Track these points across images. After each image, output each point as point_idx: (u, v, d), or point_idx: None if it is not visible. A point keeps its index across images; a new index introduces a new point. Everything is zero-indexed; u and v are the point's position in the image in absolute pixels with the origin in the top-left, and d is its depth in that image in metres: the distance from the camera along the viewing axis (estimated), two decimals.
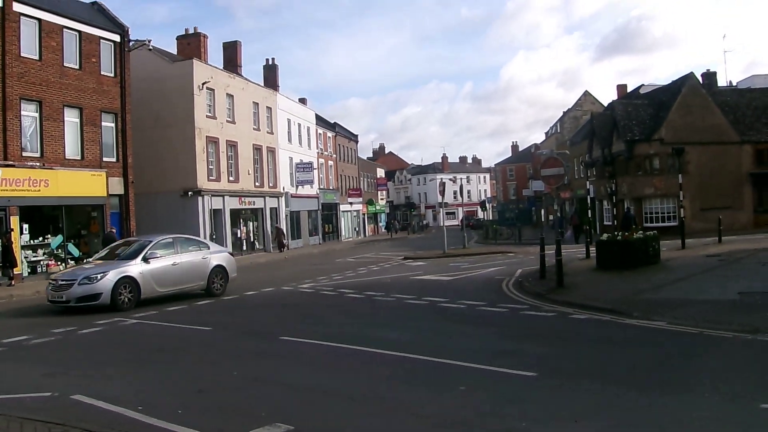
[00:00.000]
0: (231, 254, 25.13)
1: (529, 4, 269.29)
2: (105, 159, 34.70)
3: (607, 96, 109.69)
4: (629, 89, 68.86)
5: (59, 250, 32.38)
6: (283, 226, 56.90)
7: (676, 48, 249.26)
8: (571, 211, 60.28)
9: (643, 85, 63.61)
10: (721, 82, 59.50)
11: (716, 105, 48.93)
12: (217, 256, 22.91)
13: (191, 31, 50.55)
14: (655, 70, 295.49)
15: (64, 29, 32.66)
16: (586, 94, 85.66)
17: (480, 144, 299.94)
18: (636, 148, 48.53)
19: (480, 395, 8.87)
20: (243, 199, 49.86)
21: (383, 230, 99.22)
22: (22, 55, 30.21)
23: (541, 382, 9.40)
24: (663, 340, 11.97)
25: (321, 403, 8.84)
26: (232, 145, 48.47)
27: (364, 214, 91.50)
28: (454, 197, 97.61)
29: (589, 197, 44.31)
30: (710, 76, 54.46)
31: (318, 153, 70.34)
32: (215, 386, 9.79)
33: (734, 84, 64.24)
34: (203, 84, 44.21)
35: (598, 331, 13.52)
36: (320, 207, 69.63)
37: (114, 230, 33.58)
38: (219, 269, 22.45)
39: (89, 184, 33.25)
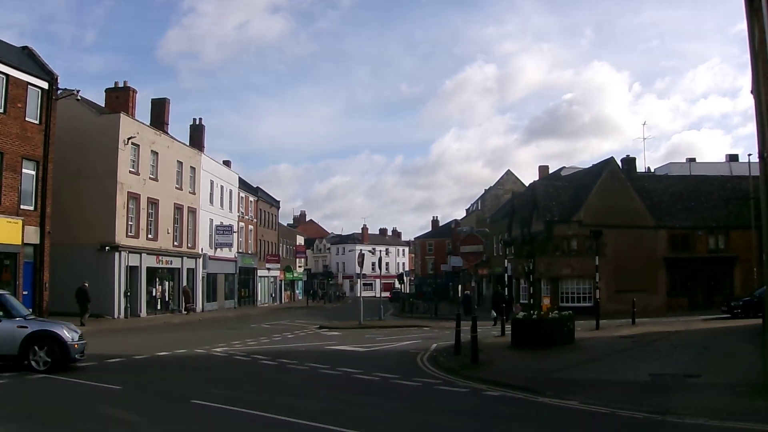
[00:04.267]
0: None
1: (465, 85, 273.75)
2: (23, 207, 34.07)
3: (530, 176, 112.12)
4: (551, 171, 70.16)
5: None
6: (199, 287, 56.37)
7: (604, 134, 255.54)
8: (489, 289, 60.83)
9: (564, 167, 65.12)
10: (641, 168, 61.19)
11: (634, 190, 50.39)
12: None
13: (121, 85, 50.21)
14: (582, 154, 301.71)
15: None
16: (508, 173, 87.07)
17: (404, 217, 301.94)
18: (555, 229, 49.47)
19: None
20: (161, 257, 49.26)
21: (299, 297, 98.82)
22: None
23: None
24: (574, 420, 12.10)
25: None
26: (154, 203, 48.03)
27: (281, 281, 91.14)
28: (373, 269, 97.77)
29: (506, 275, 44.77)
30: (630, 162, 55.90)
31: (239, 216, 70.16)
32: None
33: (652, 170, 66.09)
34: (129, 139, 43.86)
35: (511, 408, 13.62)
36: (238, 271, 69.13)
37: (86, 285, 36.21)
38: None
39: (4, 231, 32.55)
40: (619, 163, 53.19)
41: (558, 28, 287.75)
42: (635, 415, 12.26)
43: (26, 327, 17.08)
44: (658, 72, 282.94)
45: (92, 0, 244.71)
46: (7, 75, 33.21)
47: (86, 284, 37.32)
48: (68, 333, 17.32)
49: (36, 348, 16.80)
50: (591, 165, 56.76)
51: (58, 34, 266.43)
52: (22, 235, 33.68)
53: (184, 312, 49.36)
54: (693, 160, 69.80)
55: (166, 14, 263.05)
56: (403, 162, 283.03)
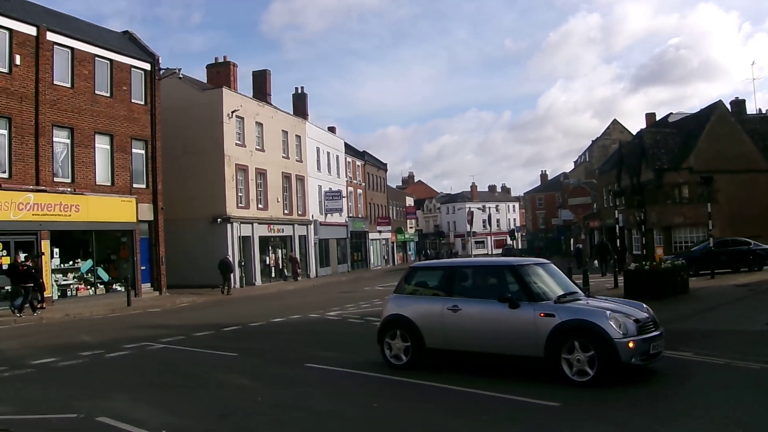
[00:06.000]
0: None
1: (570, 36, 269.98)
2: (135, 185, 35.12)
3: (637, 125, 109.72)
4: (659, 118, 68.46)
5: (89, 275, 32.77)
6: (312, 253, 57.11)
7: (713, 78, 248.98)
8: (599, 240, 59.97)
9: (671, 113, 63.26)
10: (752, 110, 59.18)
11: (745, 133, 48.62)
12: None
13: (221, 60, 50.90)
14: (692, 100, 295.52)
15: (96, 58, 33.25)
16: (615, 122, 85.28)
17: (513, 173, 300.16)
18: (665, 177, 48.29)
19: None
20: (272, 226, 50.07)
21: (412, 258, 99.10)
22: (55, 82, 30.82)
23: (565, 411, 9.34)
24: (687, 372, 11.80)
25: (343, 428, 8.87)
26: (262, 173, 48.75)
27: (393, 243, 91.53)
28: (483, 226, 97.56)
29: (618, 226, 43.89)
30: (739, 104, 54.11)
31: (347, 181, 70.61)
32: (239, 411, 9.82)
33: (764, 111, 63.84)
34: (232, 112, 44.56)
35: None
36: (349, 235, 69.79)
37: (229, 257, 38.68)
38: None
39: (119, 210, 33.60)
40: (728, 106, 51.57)
41: None
42: (751, 365, 11.82)
43: (553, 315, 11.10)
44: None
45: None
46: (111, 60, 34.18)
47: (228, 256, 39.94)
48: (616, 326, 10.66)
49: (569, 347, 10.83)
50: (699, 110, 55.13)
51: (164, 17, 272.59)
52: (137, 213, 34.73)
53: (292, 279, 50.00)
54: None
55: None
56: (511, 117, 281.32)
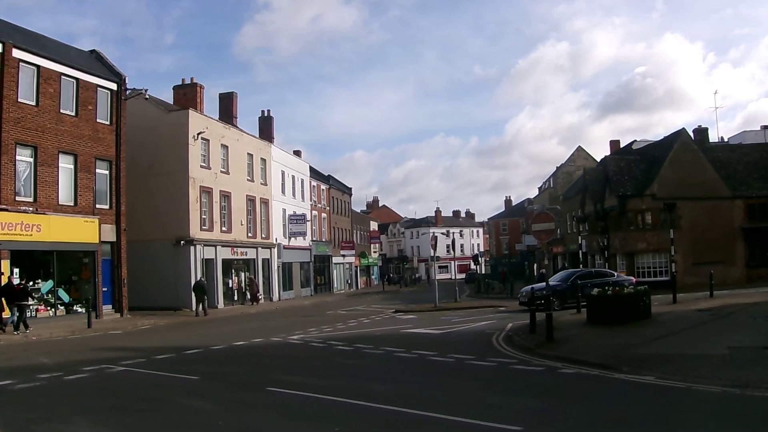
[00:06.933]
0: None
1: (538, 63, 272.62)
2: (98, 206, 34.92)
3: (602, 152, 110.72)
4: (623, 145, 69.16)
5: (49, 296, 32.46)
6: (275, 277, 56.91)
7: (678, 107, 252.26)
8: (564, 267, 60.41)
9: (635, 141, 64.05)
10: (714, 138, 60.03)
11: (708, 160, 49.39)
12: None
13: (188, 81, 50.81)
14: (657, 128, 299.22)
15: (62, 76, 33.13)
16: (579, 149, 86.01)
17: (480, 198, 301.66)
18: (628, 204, 48.87)
19: None
20: (235, 249, 49.87)
21: (375, 283, 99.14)
22: (20, 100, 30.63)
23: None
24: (651, 396, 11.90)
25: None
26: (226, 196, 48.59)
27: (356, 267, 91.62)
28: (447, 251, 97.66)
29: (581, 252, 44.24)
30: (702, 132, 54.98)
31: (311, 205, 70.68)
32: None
33: (725, 140, 64.72)
34: (198, 134, 44.46)
35: (587, 385, 13.46)
36: (312, 259, 69.73)
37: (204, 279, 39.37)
38: None
39: (81, 231, 33.36)
40: (692, 134, 52.27)
41: (628, 2, 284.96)
42: (713, 389, 11.96)
43: None
44: (732, 41, 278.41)
45: (169, 3, 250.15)
46: (77, 79, 34.04)
47: (203, 279, 40.21)
48: None
49: None
50: (662, 138, 55.80)
51: (136, 38, 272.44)
52: (99, 234, 34.52)
53: (250, 303, 49.69)
54: (767, 127, 67.95)
55: (241, 11, 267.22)
56: (478, 143, 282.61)
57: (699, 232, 46.86)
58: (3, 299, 28.04)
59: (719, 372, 13.24)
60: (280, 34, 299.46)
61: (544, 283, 35.53)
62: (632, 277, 36.38)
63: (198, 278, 41.27)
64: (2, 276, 28.50)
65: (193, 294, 39.87)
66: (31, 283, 31.13)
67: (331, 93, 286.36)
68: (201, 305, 38.62)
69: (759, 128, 68.38)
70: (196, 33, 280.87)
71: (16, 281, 28.86)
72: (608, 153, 66.11)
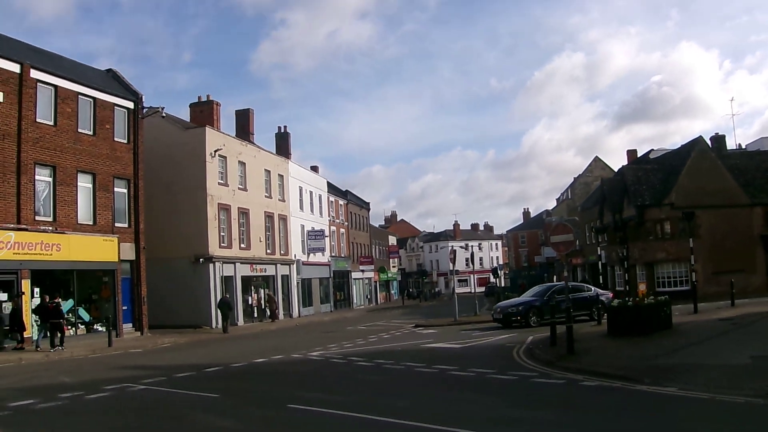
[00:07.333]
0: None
1: (554, 75, 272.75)
2: (117, 224, 35.04)
3: (619, 162, 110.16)
4: (640, 155, 68.91)
5: (70, 315, 32.42)
6: (295, 293, 56.90)
7: (695, 115, 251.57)
8: (581, 277, 60.15)
9: (652, 150, 63.79)
10: (732, 145, 59.78)
11: (726, 168, 49.15)
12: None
13: (204, 99, 51.03)
14: (674, 137, 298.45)
15: (79, 96, 33.32)
16: (597, 159, 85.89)
17: (497, 211, 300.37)
18: (647, 213, 48.70)
19: None
20: (254, 266, 49.92)
21: (395, 297, 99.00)
22: (38, 120, 30.82)
23: None
24: (673, 407, 11.82)
25: None
26: (244, 212, 48.69)
27: (375, 282, 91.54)
28: (466, 264, 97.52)
29: (600, 263, 43.97)
30: (719, 140, 54.82)
31: (330, 220, 70.70)
32: None
33: (743, 147, 64.39)
34: (215, 151, 44.58)
35: (608, 398, 13.38)
36: (332, 274, 69.65)
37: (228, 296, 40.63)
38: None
39: (101, 249, 33.46)
40: (709, 142, 52.06)
41: (643, 11, 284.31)
42: (736, 399, 11.87)
43: None
44: (748, 47, 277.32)
45: (187, 21, 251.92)
46: (94, 98, 34.21)
47: (228, 295, 41.32)
48: None
49: None
50: (679, 146, 55.64)
51: (154, 56, 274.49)
52: (119, 252, 34.58)
53: (269, 320, 49.72)
54: None
55: (258, 28, 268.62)
56: (495, 156, 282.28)
57: (718, 240, 46.59)
58: (38, 318, 28.83)
59: (742, 382, 13.14)
60: (296, 51, 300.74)
61: (518, 299, 35.39)
62: (609, 292, 35.59)
63: (223, 295, 41.78)
64: (23, 296, 28.58)
65: (218, 311, 40.43)
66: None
67: (347, 108, 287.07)
68: (226, 322, 38.93)
69: None
70: (214, 51, 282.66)
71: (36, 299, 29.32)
72: (625, 163, 65.99)
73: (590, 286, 35.10)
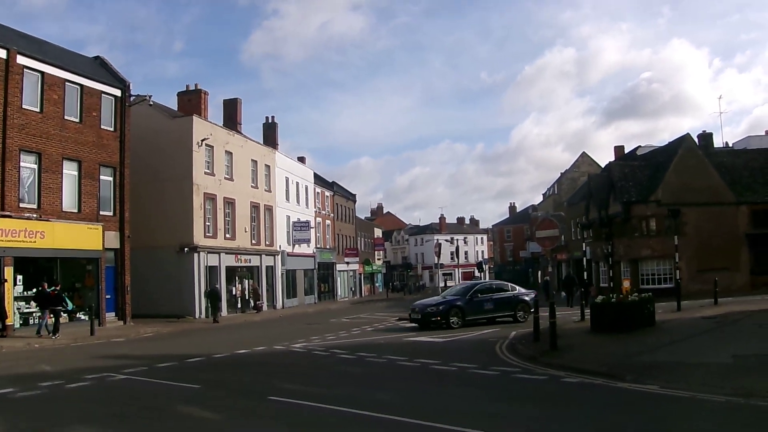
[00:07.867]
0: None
1: (544, 70, 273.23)
2: (102, 212, 34.91)
3: (607, 158, 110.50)
4: (627, 151, 68.89)
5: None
6: (279, 284, 56.80)
7: (684, 112, 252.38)
8: (566, 273, 60.24)
9: (640, 146, 63.76)
10: (719, 143, 59.90)
11: (713, 166, 49.12)
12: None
13: (192, 88, 50.80)
14: (662, 134, 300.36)
15: (66, 83, 33.09)
16: (584, 155, 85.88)
17: (484, 205, 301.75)
18: (633, 210, 48.69)
19: None
20: (239, 256, 49.84)
21: (379, 290, 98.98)
22: (24, 107, 30.60)
23: None
24: (654, 405, 11.83)
25: None
26: (230, 202, 48.57)
27: (360, 274, 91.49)
28: (451, 258, 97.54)
29: (585, 259, 44.00)
30: (706, 138, 54.84)
31: (316, 212, 70.58)
32: None
33: (730, 145, 64.52)
34: (202, 140, 44.45)
35: (590, 395, 13.41)
36: (316, 266, 69.58)
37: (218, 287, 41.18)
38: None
39: (85, 238, 33.32)
40: (696, 140, 52.15)
41: (635, 8, 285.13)
42: (717, 398, 11.90)
43: None
44: (738, 46, 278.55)
45: (179, 9, 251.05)
46: (81, 85, 34.02)
47: (217, 286, 41.72)
48: None
49: None
50: (667, 143, 55.68)
51: (144, 44, 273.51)
52: (103, 241, 34.48)
53: (253, 311, 49.72)
54: None
55: (251, 17, 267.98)
56: (484, 149, 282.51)
57: (704, 238, 46.59)
58: (37, 305, 29.59)
59: (724, 381, 13.16)
60: (288, 41, 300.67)
61: (438, 298, 34.94)
62: (533, 291, 35.07)
63: (212, 286, 42.20)
64: (5, 284, 28.45)
65: (206, 300, 41.01)
66: (34, 290, 31.12)
67: (337, 99, 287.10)
68: (216, 312, 39.39)
69: (764, 133, 68.09)
70: (205, 39, 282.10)
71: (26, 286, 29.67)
72: (613, 159, 65.93)
73: (514, 286, 33.88)
